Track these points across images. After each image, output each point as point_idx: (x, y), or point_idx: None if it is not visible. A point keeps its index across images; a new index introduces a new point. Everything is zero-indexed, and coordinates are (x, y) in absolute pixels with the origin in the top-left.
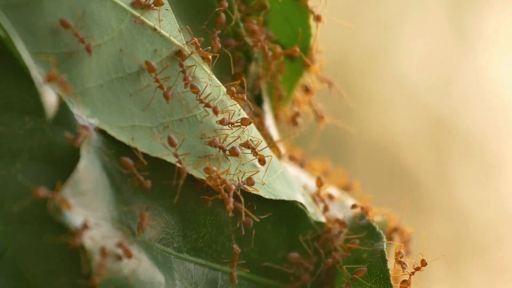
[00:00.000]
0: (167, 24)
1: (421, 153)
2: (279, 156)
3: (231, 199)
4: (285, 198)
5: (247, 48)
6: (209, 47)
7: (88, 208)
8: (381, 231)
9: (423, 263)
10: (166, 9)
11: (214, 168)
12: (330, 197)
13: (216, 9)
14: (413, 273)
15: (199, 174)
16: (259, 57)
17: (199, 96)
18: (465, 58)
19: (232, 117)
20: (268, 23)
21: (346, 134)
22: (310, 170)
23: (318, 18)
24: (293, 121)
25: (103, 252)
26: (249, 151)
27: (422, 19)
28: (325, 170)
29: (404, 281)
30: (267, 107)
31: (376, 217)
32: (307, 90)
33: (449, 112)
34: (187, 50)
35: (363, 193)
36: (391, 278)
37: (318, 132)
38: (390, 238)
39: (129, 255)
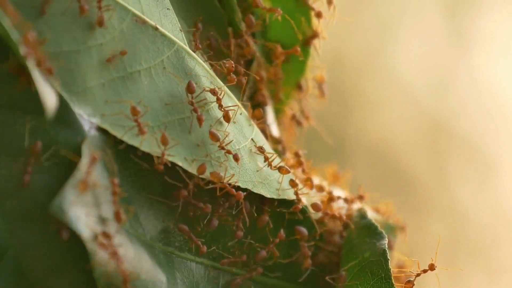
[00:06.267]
0: (168, 23)
1: (419, 154)
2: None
3: (241, 193)
4: (286, 197)
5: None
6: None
7: (89, 206)
8: (382, 231)
9: (432, 267)
10: (167, 8)
11: (221, 174)
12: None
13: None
14: (418, 274)
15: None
16: (260, 56)
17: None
18: (462, 59)
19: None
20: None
21: (344, 135)
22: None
23: (319, 15)
24: (297, 121)
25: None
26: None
27: (420, 21)
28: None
29: (409, 281)
30: (268, 105)
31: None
32: (299, 87)
33: (446, 113)
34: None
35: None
36: (392, 278)
37: (304, 131)
38: None
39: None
